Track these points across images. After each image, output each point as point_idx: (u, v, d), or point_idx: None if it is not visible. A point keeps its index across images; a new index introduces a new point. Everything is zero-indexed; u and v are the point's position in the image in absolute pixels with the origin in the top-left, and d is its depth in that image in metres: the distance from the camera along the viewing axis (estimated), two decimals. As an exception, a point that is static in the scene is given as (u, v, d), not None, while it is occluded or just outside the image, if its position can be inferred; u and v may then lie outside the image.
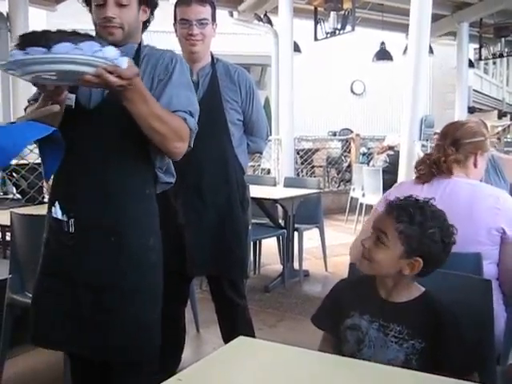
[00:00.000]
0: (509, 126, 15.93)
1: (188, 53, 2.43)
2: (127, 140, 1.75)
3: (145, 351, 1.81)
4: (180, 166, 2.28)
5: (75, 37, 1.41)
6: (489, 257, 2.04)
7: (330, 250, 5.37)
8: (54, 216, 1.76)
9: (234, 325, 2.63)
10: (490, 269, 2.04)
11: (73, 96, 1.69)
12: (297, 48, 9.01)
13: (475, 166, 2.22)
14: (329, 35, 8.15)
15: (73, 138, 1.69)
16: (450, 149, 2.18)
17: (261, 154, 2.73)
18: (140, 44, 1.87)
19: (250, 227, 4.35)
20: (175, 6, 2.45)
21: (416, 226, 1.49)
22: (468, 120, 2.54)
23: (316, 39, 8.42)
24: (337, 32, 8.02)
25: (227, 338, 2.54)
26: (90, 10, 1.83)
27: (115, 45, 1.62)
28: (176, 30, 2.46)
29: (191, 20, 2.37)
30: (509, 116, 19.59)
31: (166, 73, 1.81)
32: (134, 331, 1.77)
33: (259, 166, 9.17)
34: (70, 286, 1.74)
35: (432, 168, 2.19)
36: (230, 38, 11.57)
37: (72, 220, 1.73)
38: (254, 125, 2.63)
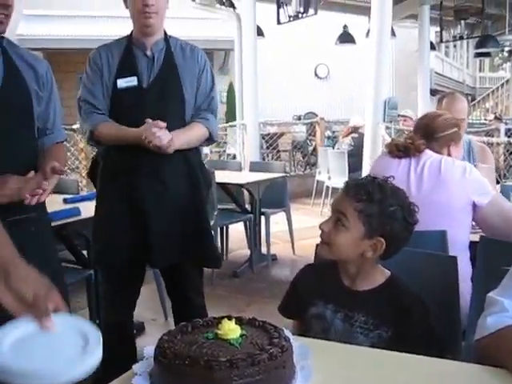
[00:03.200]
0: (470, 108, 16.20)
1: (142, 26, 2.28)
2: None
3: None
4: (136, 148, 2.23)
5: None
6: (461, 225, 2.13)
7: (297, 233, 5.38)
8: None
9: None
10: (463, 238, 2.13)
11: None
12: (260, 32, 8.94)
13: (449, 155, 2.28)
14: (292, 19, 8.10)
15: None
16: (420, 141, 2.24)
17: (213, 138, 2.48)
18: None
19: (216, 213, 4.36)
20: None
21: (375, 204, 1.43)
22: (443, 112, 2.60)
23: (279, 23, 8.37)
24: (300, 15, 7.97)
25: None
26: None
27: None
28: (126, 4, 2.29)
29: None
30: (470, 98, 19.93)
31: None
32: None
33: (224, 151, 9.13)
34: None
35: (400, 151, 2.26)
36: (191, 22, 11.41)
37: None
38: (211, 100, 2.44)
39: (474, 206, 2.12)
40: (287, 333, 1.12)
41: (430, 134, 2.28)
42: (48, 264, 1.78)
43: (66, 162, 1.98)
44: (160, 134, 2.18)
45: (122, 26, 2.36)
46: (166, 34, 2.39)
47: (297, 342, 1.13)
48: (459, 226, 2.11)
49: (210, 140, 2.48)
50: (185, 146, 2.32)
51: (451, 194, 2.11)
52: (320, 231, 1.50)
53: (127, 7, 2.31)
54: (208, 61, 2.45)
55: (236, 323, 1.10)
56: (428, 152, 2.23)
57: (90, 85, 2.33)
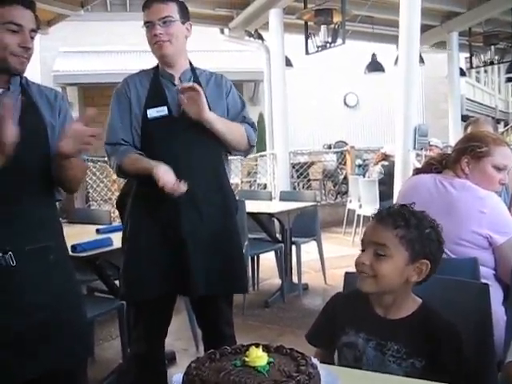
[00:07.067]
0: (502, 133, 16.02)
1: (159, 57, 2.31)
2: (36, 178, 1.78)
3: (79, 357, 1.86)
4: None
5: None
6: (479, 256, 2.03)
7: (328, 262, 5.35)
8: None
9: None
10: (485, 268, 2.04)
11: None
12: (288, 62, 9.04)
13: (463, 172, 2.17)
14: (320, 49, 8.17)
15: None
16: (435, 159, 2.30)
17: (251, 142, 2.45)
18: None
19: (246, 242, 4.36)
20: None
21: (413, 228, 1.47)
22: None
23: (307, 53, 8.44)
24: (328, 45, 8.03)
25: None
26: None
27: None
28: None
29: (153, 20, 2.24)
30: (502, 123, 19.69)
31: None
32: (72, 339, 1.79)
33: (255, 181, 9.18)
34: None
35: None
36: (221, 55, 11.62)
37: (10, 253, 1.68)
38: (243, 117, 2.44)
39: (490, 241, 2.04)
40: (314, 360, 1.12)
41: (454, 145, 2.29)
42: (69, 292, 1.83)
43: (85, 175, 2.02)
44: (167, 181, 2.14)
45: (153, 59, 2.40)
46: (191, 64, 2.41)
47: (325, 370, 1.12)
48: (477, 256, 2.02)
49: (248, 146, 2.45)
50: (224, 129, 2.29)
51: (463, 225, 2.04)
52: (355, 263, 1.50)
53: None
54: (232, 85, 2.45)
55: (263, 350, 1.10)
56: (448, 174, 2.20)
57: (118, 116, 2.33)
